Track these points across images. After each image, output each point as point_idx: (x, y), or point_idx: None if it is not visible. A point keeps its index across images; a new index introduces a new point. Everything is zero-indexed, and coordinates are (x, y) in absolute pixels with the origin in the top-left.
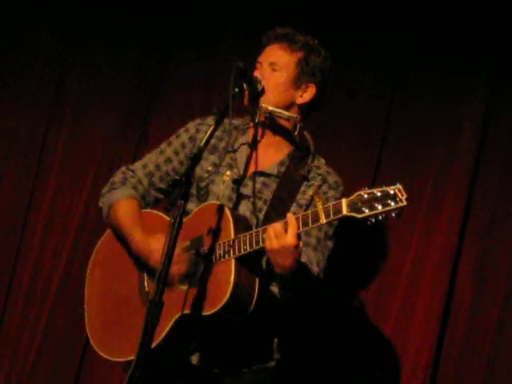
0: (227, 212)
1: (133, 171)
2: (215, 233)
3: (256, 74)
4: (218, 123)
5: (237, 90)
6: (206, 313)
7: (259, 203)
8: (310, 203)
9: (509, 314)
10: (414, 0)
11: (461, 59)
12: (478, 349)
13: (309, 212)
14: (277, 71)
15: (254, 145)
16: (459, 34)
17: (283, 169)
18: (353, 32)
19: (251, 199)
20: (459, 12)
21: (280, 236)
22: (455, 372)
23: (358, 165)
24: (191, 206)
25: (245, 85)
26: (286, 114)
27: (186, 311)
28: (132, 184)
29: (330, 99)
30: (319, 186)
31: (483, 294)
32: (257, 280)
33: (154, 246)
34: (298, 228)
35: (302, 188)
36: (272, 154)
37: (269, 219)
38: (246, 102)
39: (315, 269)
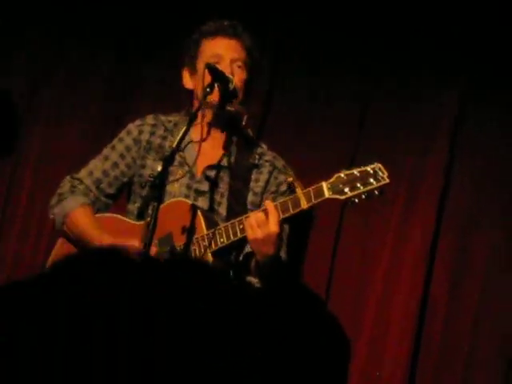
0: (195, 207)
1: (79, 179)
2: (188, 229)
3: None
4: (190, 123)
5: (208, 89)
6: None
7: (217, 197)
8: (265, 190)
9: (485, 309)
10: (390, 4)
11: (437, 57)
12: (456, 347)
13: (287, 198)
14: (241, 68)
15: (201, 141)
16: (436, 35)
17: (232, 159)
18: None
19: (208, 194)
20: (434, 14)
21: (263, 225)
22: (433, 370)
23: (335, 154)
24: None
25: (216, 84)
26: (245, 113)
27: None
28: (81, 192)
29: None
30: (270, 173)
31: (460, 291)
32: (230, 273)
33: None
34: (279, 215)
35: (254, 176)
36: (219, 146)
37: (232, 211)
38: (216, 100)
39: (283, 254)
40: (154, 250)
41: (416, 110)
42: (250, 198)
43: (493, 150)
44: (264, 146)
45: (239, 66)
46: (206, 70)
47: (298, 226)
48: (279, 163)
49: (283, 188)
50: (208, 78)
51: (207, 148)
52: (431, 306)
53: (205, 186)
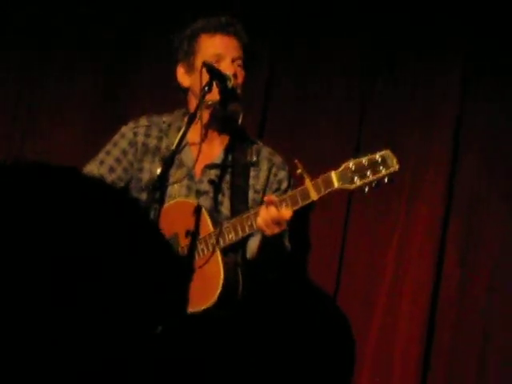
0: (199, 207)
1: None
2: (193, 228)
3: (222, 67)
4: (190, 123)
5: (207, 88)
6: (195, 309)
7: (219, 196)
8: (266, 187)
9: (496, 290)
10: None
11: (439, 33)
12: (471, 328)
13: (296, 191)
14: (240, 67)
15: (200, 141)
16: (437, 15)
17: (230, 157)
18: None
19: (210, 194)
20: None
21: (278, 220)
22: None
23: (338, 142)
24: None
25: (214, 82)
26: (241, 111)
27: None
28: None
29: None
30: (269, 170)
31: (471, 269)
32: (239, 270)
33: None
34: (290, 209)
35: (252, 173)
36: (216, 146)
37: (234, 209)
38: (216, 99)
39: (286, 242)
40: None
41: (419, 93)
42: (252, 195)
43: (499, 128)
44: (260, 143)
45: (239, 65)
46: (204, 69)
47: (303, 215)
48: (277, 159)
49: (285, 185)
50: (206, 77)
51: (204, 148)
52: (444, 291)
53: (205, 186)
